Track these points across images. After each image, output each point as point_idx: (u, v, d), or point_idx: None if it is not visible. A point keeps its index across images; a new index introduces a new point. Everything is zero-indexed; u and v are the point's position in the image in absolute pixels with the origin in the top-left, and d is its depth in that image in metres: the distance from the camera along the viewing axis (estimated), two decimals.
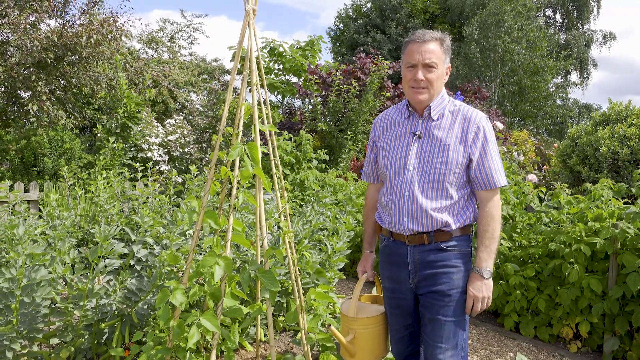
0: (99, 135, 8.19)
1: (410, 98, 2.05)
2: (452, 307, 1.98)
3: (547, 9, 27.16)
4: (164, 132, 8.92)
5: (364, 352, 2.17)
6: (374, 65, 9.65)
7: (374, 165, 2.26)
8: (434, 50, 1.95)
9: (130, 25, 10.03)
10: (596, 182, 4.85)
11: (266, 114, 2.54)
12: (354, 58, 10.73)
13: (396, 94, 10.91)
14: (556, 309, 3.74)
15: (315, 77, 9.66)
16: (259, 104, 2.48)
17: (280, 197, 2.57)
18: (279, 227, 3.49)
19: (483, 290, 1.97)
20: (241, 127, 2.38)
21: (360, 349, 2.16)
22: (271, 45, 12.54)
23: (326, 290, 2.70)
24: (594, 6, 26.32)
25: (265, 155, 5.03)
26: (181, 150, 8.98)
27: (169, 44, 19.57)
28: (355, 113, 9.21)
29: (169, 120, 9.60)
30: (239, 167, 2.38)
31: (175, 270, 3.14)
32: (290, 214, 3.89)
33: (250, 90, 2.45)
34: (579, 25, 26.82)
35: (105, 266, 2.86)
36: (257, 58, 2.45)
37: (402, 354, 2.21)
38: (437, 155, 1.97)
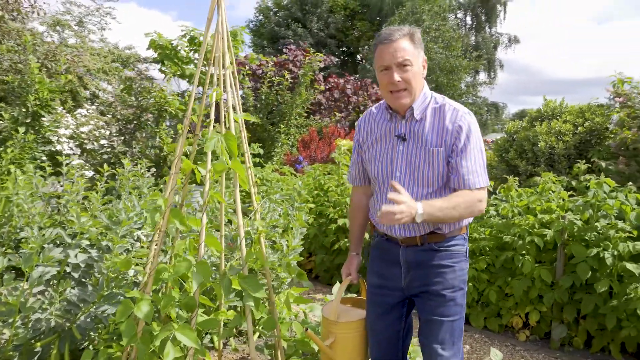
0: (4, 124, 7.27)
1: (391, 103, 1.92)
2: (446, 307, 1.92)
3: (458, 11, 28.57)
4: (74, 123, 8.10)
5: (345, 357, 2.07)
6: (305, 58, 9.50)
7: (362, 167, 2.11)
8: (405, 48, 1.83)
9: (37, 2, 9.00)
10: (532, 175, 5.08)
11: (236, 100, 2.30)
12: (284, 50, 10.49)
13: (327, 87, 10.84)
14: (506, 299, 3.83)
15: (247, 68, 9.31)
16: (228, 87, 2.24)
17: (254, 193, 2.35)
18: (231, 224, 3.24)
19: (404, 209, 1.67)
20: (213, 116, 2.13)
21: (340, 354, 2.06)
22: (191, 34, 11.91)
23: (300, 293, 2.52)
24: (501, 10, 28.14)
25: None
26: (96, 142, 8.22)
27: (76, 27, 18.01)
28: (288, 106, 9.01)
29: (79, 110, 8.76)
30: (208, 160, 2.13)
31: (120, 277, 2.79)
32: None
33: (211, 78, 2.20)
34: (487, 28, 28.52)
35: (40, 276, 2.46)
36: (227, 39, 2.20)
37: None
38: (423, 159, 1.88)
